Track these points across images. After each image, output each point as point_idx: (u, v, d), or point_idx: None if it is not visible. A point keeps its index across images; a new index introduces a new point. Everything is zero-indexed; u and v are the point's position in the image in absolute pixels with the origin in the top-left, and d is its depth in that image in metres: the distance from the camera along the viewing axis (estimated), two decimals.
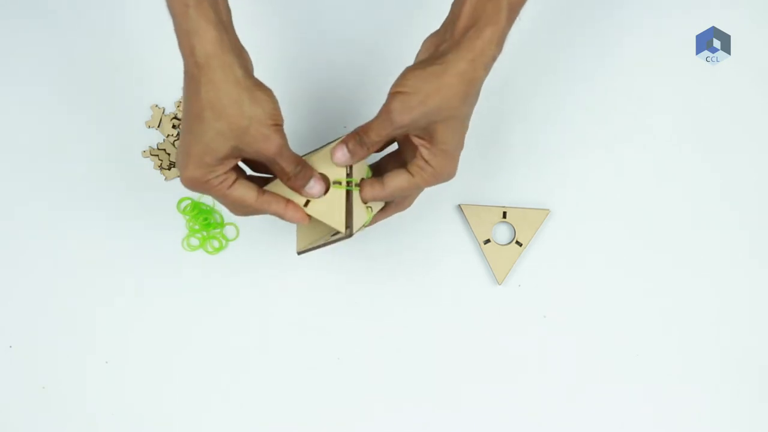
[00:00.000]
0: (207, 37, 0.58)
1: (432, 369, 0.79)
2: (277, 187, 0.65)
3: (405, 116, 0.61)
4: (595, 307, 0.80)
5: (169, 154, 0.81)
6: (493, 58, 0.62)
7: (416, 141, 0.64)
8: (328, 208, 0.65)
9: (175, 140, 0.82)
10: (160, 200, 0.81)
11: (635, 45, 0.84)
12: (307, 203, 0.65)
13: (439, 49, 0.63)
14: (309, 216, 0.65)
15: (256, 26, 0.84)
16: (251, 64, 0.64)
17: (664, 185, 0.82)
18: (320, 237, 0.71)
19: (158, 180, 0.81)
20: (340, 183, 0.65)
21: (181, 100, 0.61)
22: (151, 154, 0.81)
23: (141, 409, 0.79)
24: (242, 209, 0.65)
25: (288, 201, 0.65)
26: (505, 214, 0.81)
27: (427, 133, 0.63)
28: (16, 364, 0.79)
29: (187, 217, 0.81)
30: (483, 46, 0.61)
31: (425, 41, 0.66)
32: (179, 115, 0.82)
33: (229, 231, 0.82)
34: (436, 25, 0.68)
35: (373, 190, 0.66)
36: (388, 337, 0.80)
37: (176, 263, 0.80)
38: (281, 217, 0.65)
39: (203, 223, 0.80)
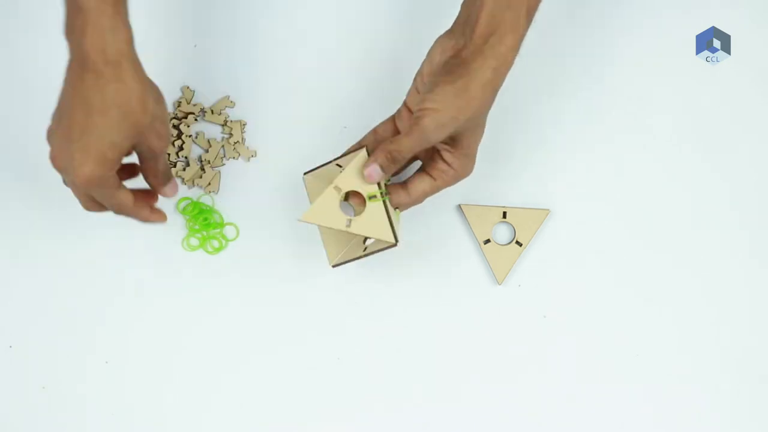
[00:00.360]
0: (122, 37, 0.59)
1: (432, 369, 0.79)
2: (348, 179, 0.66)
3: (439, 133, 0.63)
4: (595, 307, 0.80)
5: (168, 154, 0.81)
6: (512, 64, 0.63)
7: (439, 146, 0.66)
8: (370, 222, 0.66)
9: (174, 140, 0.81)
10: (160, 200, 0.81)
11: (635, 45, 0.84)
12: (349, 225, 0.66)
13: (461, 56, 0.63)
14: (165, 216, 0.69)
15: (255, 26, 0.84)
16: None
17: (664, 185, 0.82)
18: (351, 246, 0.73)
19: None
20: (374, 196, 0.66)
21: (68, 91, 0.61)
22: None
23: (141, 409, 0.79)
24: (121, 210, 0.66)
25: (152, 207, 0.68)
26: (505, 214, 0.81)
27: (452, 140, 0.65)
28: (16, 364, 0.79)
29: (187, 217, 0.81)
30: (505, 54, 0.62)
31: (439, 42, 0.66)
32: (179, 115, 0.82)
33: (229, 231, 0.82)
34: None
35: (400, 198, 0.68)
36: (388, 337, 0.80)
37: (176, 263, 0.80)
38: (146, 222, 0.68)
39: (203, 223, 0.80)
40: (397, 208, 0.69)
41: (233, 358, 0.79)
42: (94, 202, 0.66)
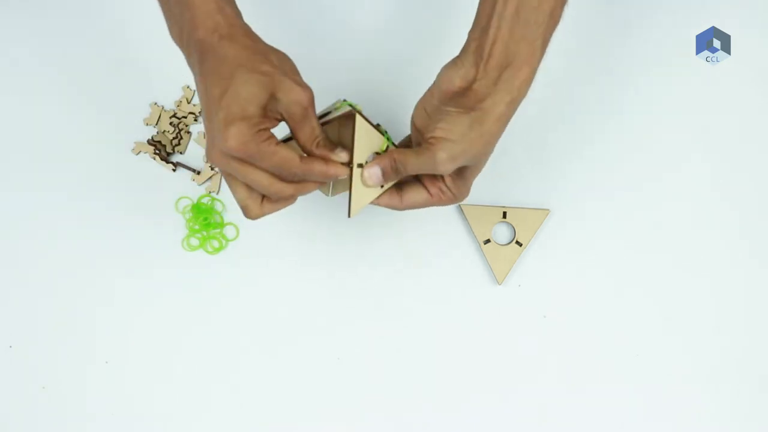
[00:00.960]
0: (229, 12, 0.61)
1: (432, 369, 0.79)
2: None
3: (450, 165, 0.63)
4: (595, 307, 0.80)
5: (164, 146, 0.81)
6: (526, 95, 0.62)
7: None
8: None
9: (172, 138, 0.82)
10: (159, 200, 0.81)
11: (635, 45, 0.84)
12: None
13: (473, 88, 0.61)
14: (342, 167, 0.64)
15: (255, 26, 0.84)
16: None
17: (664, 186, 0.82)
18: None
19: (158, 180, 0.81)
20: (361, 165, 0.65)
21: (198, 82, 0.60)
22: (149, 144, 0.81)
23: (141, 409, 0.79)
24: (287, 170, 0.62)
25: (329, 160, 0.63)
26: (505, 214, 0.81)
27: (457, 168, 0.65)
28: (16, 364, 0.79)
29: (187, 216, 0.81)
30: (520, 87, 0.61)
31: (448, 69, 0.63)
32: (178, 114, 0.82)
33: (229, 231, 0.82)
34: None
35: (392, 200, 0.68)
36: (388, 337, 0.80)
37: (176, 263, 0.80)
38: (324, 177, 0.63)
39: (203, 223, 0.80)
40: (381, 203, 0.68)
41: (233, 357, 0.79)
42: (255, 199, 0.63)
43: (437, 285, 0.81)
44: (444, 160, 0.62)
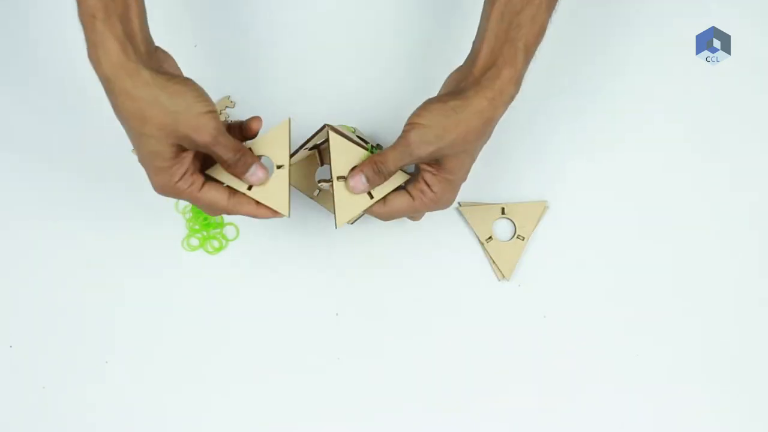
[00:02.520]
0: (111, 50, 0.59)
1: (432, 369, 0.79)
2: (217, 171, 0.65)
3: (423, 149, 0.63)
4: (595, 306, 0.80)
5: None
6: (512, 98, 0.64)
7: (423, 166, 0.66)
8: (271, 192, 0.66)
9: None
10: (159, 200, 0.81)
11: (635, 45, 0.84)
12: (250, 188, 0.66)
13: (459, 86, 0.65)
14: (276, 211, 0.66)
15: (255, 26, 0.84)
16: (170, 62, 0.65)
17: (664, 186, 0.82)
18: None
19: None
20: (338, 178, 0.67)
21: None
22: None
23: (141, 409, 0.78)
24: (216, 211, 0.66)
25: (257, 201, 0.65)
26: (503, 210, 0.81)
27: (436, 161, 0.65)
28: (16, 364, 0.79)
29: (187, 216, 0.81)
30: (502, 86, 0.63)
31: (449, 77, 0.68)
32: None
33: (229, 231, 0.82)
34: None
35: (377, 208, 0.68)
36: (388, 337, 0.80)
37: (176, 263, 0.80)
38: (254, 216, 0.66)
39: (203, 223, 0.80)
40: (368, 213, 0.69)
41: (233, 357, 0.79)
42: (207, 210, 0.66)
43: (437, 286, 0.80)
44: (416, 143, 0.63)
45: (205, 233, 0.81)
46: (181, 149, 0.62)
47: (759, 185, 0.82)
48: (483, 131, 0.64)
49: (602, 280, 0.81)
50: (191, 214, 0.81)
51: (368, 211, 0.68)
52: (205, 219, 0.80)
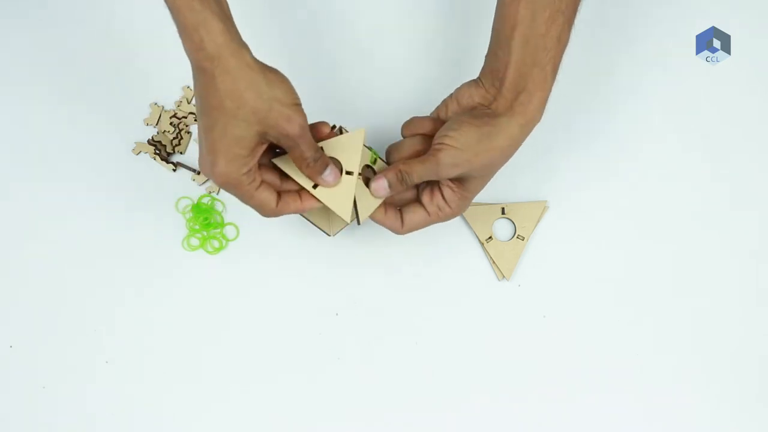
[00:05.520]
0: (215, 29, 0.58)
1: (432, 369, 0.79)
2: (285, 163, 0.65)
3: (452, 171, 0.64)
4: (595, 306, 0.80)
5: (164, 146, 0.81)
6: (539, 122, 0.65)
7: (445, 182, 0.67)
8: (337, 195, 0.66)
9: (172, 138, 0.82)
10: (159, 200, 0.81)
11: (635, 44, 0.84)
12: (315, 186, 0.66)
13: (491, 107, 0.65)
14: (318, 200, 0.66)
15: (255, 27, 0.84)
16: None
17: (664, 186, 0.82)
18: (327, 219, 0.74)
19: (158, 179, 0.81)
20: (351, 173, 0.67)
21: (195, 97, 0.61)
22: (149, 144, 0.81)
23: (141, 409, 0.78)
24: (263, 212, 0.65)
25: (303, 195, 0.65)
26: (503, 210, 0.81)
27: (459, 180, 0.67)
28: (16, 364, 0.79)
29: (188, 216, 0.81)
30: (534, 112, 0.64)
31: (467, 87, 0.67)
32: (178, 114, 0.82)
33: (229, 231, 0.82)
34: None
35: (395, 226, 0.69)
36: (388, 337, 0.80)
37: (176, 263, 0.80)
38: (300, 212, 0.67)
39: (203, 223, 0.80)
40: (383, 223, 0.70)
41: (233, 357, 0.79)
42: (257, 210, 0.65)
43: (437, 286, 0.81)
44: (447, 164, 0.64)
45: (205, 233, 0.81)
46: (261, 141, 0.61)
47: (759, 185, 0.82)
48: (509, 155, 0.66)
49: (602, 280, 0.81)
50: (191, 214, 0.81)
51: (387, 226, 0.70)
52: (205, 219, 0.80)
